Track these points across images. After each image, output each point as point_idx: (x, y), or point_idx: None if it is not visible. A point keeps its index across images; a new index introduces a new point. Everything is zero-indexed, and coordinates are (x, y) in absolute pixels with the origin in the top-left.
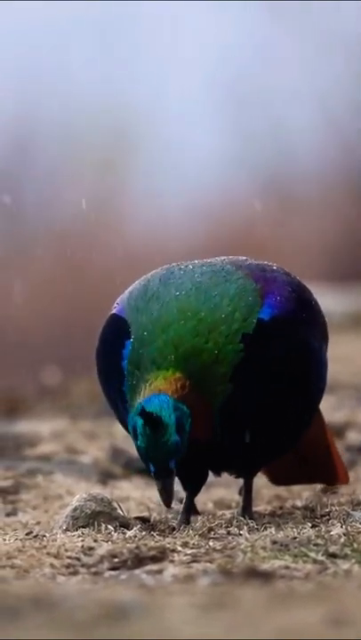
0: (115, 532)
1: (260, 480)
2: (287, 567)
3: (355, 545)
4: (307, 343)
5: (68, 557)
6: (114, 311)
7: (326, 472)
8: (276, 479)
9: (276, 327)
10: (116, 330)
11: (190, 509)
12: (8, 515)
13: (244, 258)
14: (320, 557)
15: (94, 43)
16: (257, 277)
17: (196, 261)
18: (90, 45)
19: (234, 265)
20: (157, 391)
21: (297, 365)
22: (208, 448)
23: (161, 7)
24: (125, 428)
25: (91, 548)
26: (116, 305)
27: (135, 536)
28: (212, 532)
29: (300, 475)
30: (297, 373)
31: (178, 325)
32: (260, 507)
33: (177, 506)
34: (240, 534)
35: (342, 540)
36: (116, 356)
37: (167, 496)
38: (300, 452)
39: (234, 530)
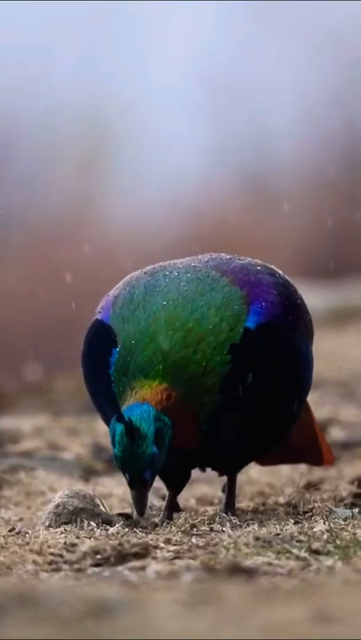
0: (97, 528)
1: (243, 477)
2: (270, 564)
3: (337, 541)
4: (294, 347)
5: (51, 554)
6: (99, 317)
7: (312, 453)
8: (262, 460)
9: (262, 335)
10: (103, 337)
11: (173, 506)
12: None
13: (228, 257)
14: (303, 554)
15: (76, 38)
16: (242, 283)
17: (179, 264)
18: (72, 41)
19: (219, 270)
20: (141, 400)
21: (285, 371)
22: (193, 455)
23: (143, 3)
24: None
25: (73, 545)
26: (100, 310)
27: (118, 532)
28: (195, 529)
29: (285, 455)
30: (285, 379)
31: (166, 336)
32: (242, 503)
33: (160, 503)
34: (223, 531)
35: (325, 536)
36: (102, 362)
37: (140, 507)
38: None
39: (217, 526)
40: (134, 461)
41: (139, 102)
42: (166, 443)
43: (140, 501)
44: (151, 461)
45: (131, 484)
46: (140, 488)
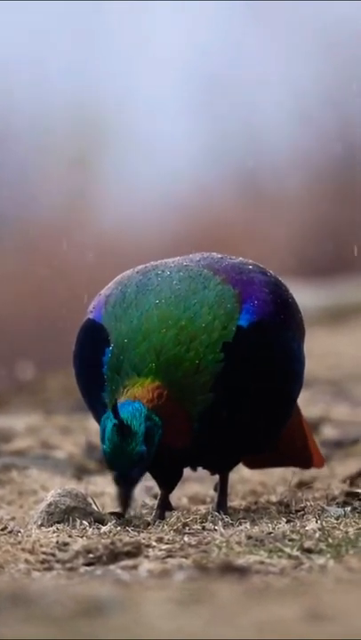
0: (90, 527)
1: (235, 475)
2: (262, 562)
3: (330, 540)
4: (286, 345)
5: (43, 553)
6: (90, 316)
7: (301, 456)
8: (251, 463)
9: (255, 333)
10: (95, 336)
11: (165, 505)
12: None
13: (220, 256)
14: (295, 552)
15: (67, 38)
16: (235, 282)
17: (171, 264)
18: (62, 41)
19: (211, 269)
20: (133, 398)
21: (277, 370)
22: (184, 453)
23: (134, 3)
24: None
25: (66, 544)
26: (92, 309)
27: (110, 531)
28: (187, 528)
29: (274, 459)
30: (277, 377)
31: (159, 334)
32: (234, 502)
33: (152, 501)
34: (215, 529)
35: (317, 535)
36: (95, 362)
37: (124, 506)
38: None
39: (209, 525)
40: (122, 459)
41: (132, 102)
42: (155, 442)
43: (124, 499)
44: (140, 459)
45: (117, 481)
46: (125, 486)
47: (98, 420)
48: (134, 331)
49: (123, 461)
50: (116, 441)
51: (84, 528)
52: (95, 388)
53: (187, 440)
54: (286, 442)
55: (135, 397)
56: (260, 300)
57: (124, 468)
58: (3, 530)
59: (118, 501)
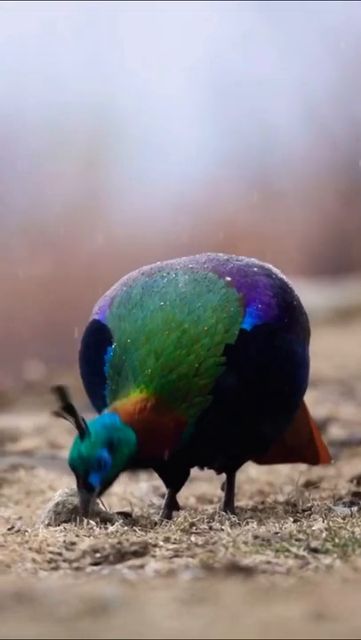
0: (97, 527)
1: (243, 475)
2: (269, 562)
3: (336, 540)
4: (290, 349)
5: (50, 552)
6: (96, 317)
7: (308, 452)
8: (259, 459)
9: (258, 337)
10: (99, 336)
11: (172, 505)
12: None
13: (225, 258)
14: (302, 552)
15: (79, 37)
16: (239, 285)
17: (177, 266)
18: (74, 40)
19: (216, 272)
20: (113, 410)
21: (280, 373)
22: (178, 456)
23: (148, 3)
24: None
25: (73, 543)
26: (97, 310)
27: (117, 531)
28: (194, 527)
29: (282, 455)
30: (280, 380)
31: (162, 336)
32: (241, 502)
33: (159, 501)
34: (222, 529)
35: (324, 534)
36: (98, 362)
37: (85, 512)
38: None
39: (216, 525)
40: (80, 461)
41: (145, 103)
42: (125, 455)
43: (84, 505)
44: (97, 466)
45: (78, 486)
46: (86, 492)
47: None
48: (138, 331)
49: (80, 464)
50: (76, 443)
51: (91, 527)
52: (98, 387)
53: (173, 447)
54: (293, 438)
55: (115, 410)
56: (263, 304)
57: (82, 471)
58: (10, 529)
59: (80, 507)
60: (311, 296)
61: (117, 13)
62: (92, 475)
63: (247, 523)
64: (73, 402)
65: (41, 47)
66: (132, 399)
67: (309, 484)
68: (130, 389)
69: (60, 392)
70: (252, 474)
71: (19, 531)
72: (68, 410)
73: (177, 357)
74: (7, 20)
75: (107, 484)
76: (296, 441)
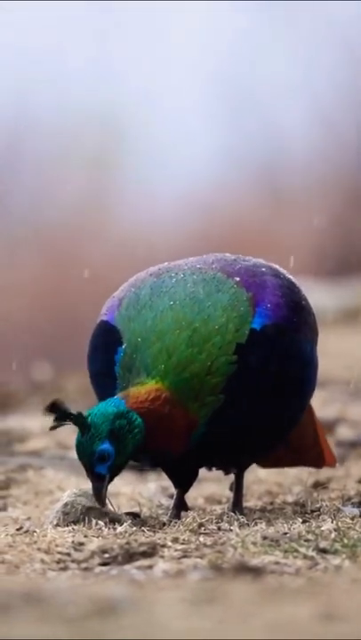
0: (105, 527)
1: (251, 476)
2: (277, 562)
3: (345, 540)
4: (298, 348)
5: (59, 553)
6: (104, 318)
7: (313, 454)
8: (263, 462)
9: (267, 336)
10: (108, 337)
11: (181, 505)
12: None
13: (233, 258)
14: (310, 553)
15: (87, 39)
16: (248, 285)
17: (185, 266)
18: (83, 41)
19: (225, 272)
20: (122, 396)
21: (289, 372)
22: (187, 455)
23: (154, 4)
24: None
25: (81, 544)
26: (105, 312)
27: (126, 531)
28: (203, 528)
29: (287, 458)
30: (289, 380)
31: (173, 334)
32: (250, 502)
33: (168, 501)
34: (231, 530)
35: (333, 535)
36: (108, 362)
37: (99, 500)
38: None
39: (224, 525)
40: (85, 455)
41: (152, 103)
42: (131, 443)
43: (97, 495)
44: (100, 459)
45: (88, 476)
46: (95, 481)
47: None
48: (148, 331)
49: (85, 457)
50: (78, 437)
51: (100, 528)
52: (109, 388)
53: (183, 445)
54: (298, 440)
55: (124, 396)
56: (273, 304)
57: (88, 465)
58: (19, 530)
59: (94, 497)
60: (320, 296)
61: (126, 16)
62: (98, 466)
63: (256, 523)
64: (80, 402)
65: (46, 49)
66: (146, 387)
67: (318, 485)
68: (141, 381)
69: (55, 408)
70: (260, 474)
71: (27, 531)
72: (61, 418)
73: (189, 356)
74: (13, 23)
75: (116, 470)
76: (300, 442)
